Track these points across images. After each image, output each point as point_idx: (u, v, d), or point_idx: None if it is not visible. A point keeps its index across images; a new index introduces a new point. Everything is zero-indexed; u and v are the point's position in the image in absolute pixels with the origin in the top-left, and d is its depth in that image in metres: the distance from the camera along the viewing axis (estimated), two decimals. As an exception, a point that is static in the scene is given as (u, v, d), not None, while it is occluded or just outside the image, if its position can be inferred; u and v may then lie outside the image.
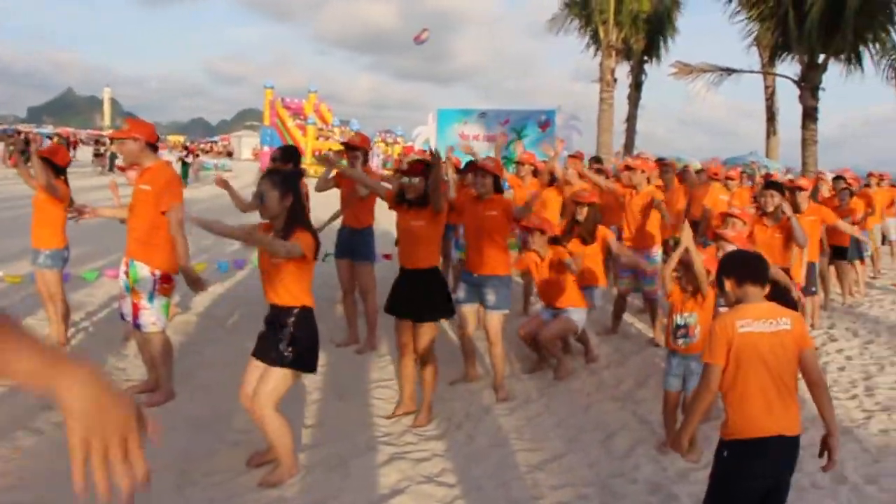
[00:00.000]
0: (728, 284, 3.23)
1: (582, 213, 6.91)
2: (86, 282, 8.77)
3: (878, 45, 14.79)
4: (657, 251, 7.74)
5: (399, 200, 5.30)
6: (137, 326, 5.09)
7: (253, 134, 60.82)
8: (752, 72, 16.43)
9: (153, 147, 5.22)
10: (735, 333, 3.07)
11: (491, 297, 5.74)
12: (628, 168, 8.29)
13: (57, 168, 6.21)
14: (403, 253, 5.31)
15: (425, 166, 5.23)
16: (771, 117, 22.12)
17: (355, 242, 7.11)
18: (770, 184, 6.88)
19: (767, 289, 3.21)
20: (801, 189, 7.90)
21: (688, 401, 4.39)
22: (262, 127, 45.57)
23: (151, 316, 5.03)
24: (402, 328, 5.25)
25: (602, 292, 7.27)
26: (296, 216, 4.10)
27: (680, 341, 4.88)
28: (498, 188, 5.91)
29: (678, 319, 4.91)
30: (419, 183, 5.15)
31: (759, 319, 3.08)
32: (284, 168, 6.21)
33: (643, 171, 7.99)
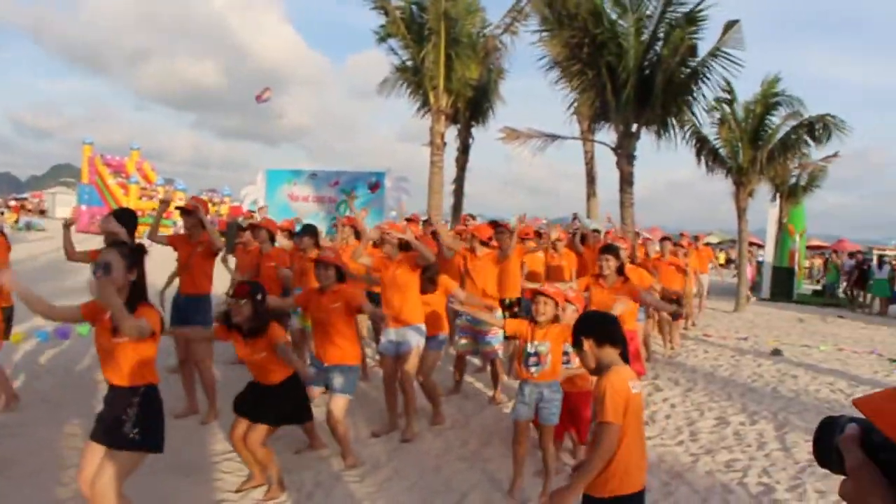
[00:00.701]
0: (587, 344, 3.25)
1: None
2: None
3: (679, 119, 16.22)
4: (497, 312, 7.74)
5: (229, 327, 5.02)
6: None
7: (68, 191, 57.24)
8: (574, 138, 17.50)
9: None
10: (630, 394, 3.12)
11: (337, 382, 5.73)
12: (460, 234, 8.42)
13: None
14: (253, 374, 5.15)
15: (251, 287, 4.99)
16: (591, 180, 23.55)
17: (191, 309, 6.83)
18: (607, 247, 7.09)
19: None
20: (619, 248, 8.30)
21: (577, 459, 4.45)
22: (79, 184, 43.10)
23: None
24: (239, 421, 5.04)
25: (444, 339, 7.23)
26: (140, 291, 3.90)
27: (532, 369, 4.94)
28: (341, 278, 5.85)
29: (529, 348, 4.96)
30: (246, 306, 4.87)
31: (633, 379, 3.21)
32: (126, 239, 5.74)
33: (475, 237, 8.09)
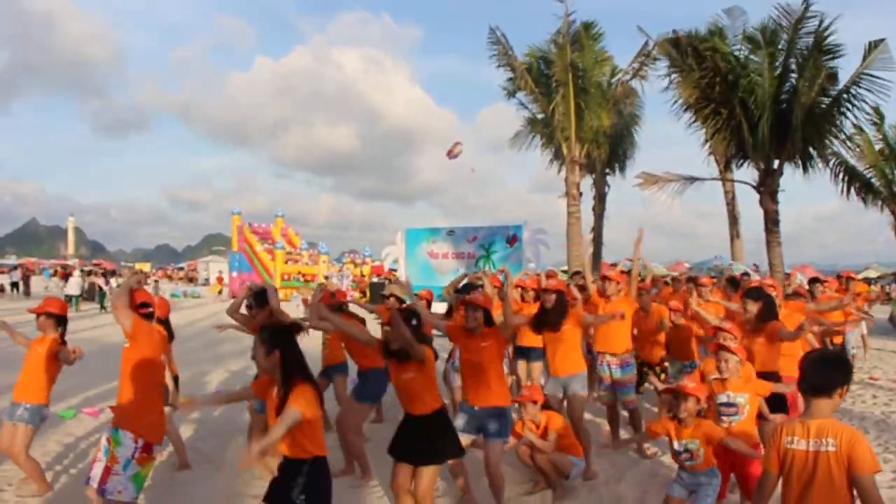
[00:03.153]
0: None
1: (549, 302, 6.93)
2: (63, 420, 8.49)
3: (822, 151, 15.52)
4: (630, 358, 7.66)
5: (385, 352, 5.24)
6: (101, 492, 4.66)
7: (220, 259, 60.71)
8: (713, 179, 17.12)
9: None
10: (784, 447, 3.10)
11: (492, 426, 5.70)
12: (604, 278, 8.37)
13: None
14: (402, 401, 5.24)
15: (406, 313, 5.21)
16: (733, 221, 22.80)
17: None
18: (747, 291, 6.91)
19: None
20: (703, 285, 8.05)
21: None
22: (230, 252, 45.75)
23: (119, 484, 4.66)
24: (399, 469, 5.11)
25: (584, 378, 7.18)
26: (290, 369, 4.00)
27: (686, 463, 4.92)
28: (489, 321, 5.96)
29: (677, 447, 4.95)
30: (403, 330, 5.07)
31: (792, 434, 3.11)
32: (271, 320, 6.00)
33: (617, 282, 8.05)
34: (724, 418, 5.12)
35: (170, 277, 64.26)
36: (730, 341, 5.66)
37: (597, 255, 22.58)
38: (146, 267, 69.73)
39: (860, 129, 17.56)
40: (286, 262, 41.56)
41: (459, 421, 5.93)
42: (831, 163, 17.34)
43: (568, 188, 19.02)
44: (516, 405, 6.44)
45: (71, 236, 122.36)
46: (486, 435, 5.74)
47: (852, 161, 17.90)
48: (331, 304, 7.19)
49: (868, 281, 35.04)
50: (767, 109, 14.98)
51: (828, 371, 3.17)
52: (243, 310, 6.77)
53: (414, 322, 5.11)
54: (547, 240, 25.54)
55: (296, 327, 4.39)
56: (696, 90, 15.85)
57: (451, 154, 21.49)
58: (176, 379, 7.23)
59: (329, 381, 8.16)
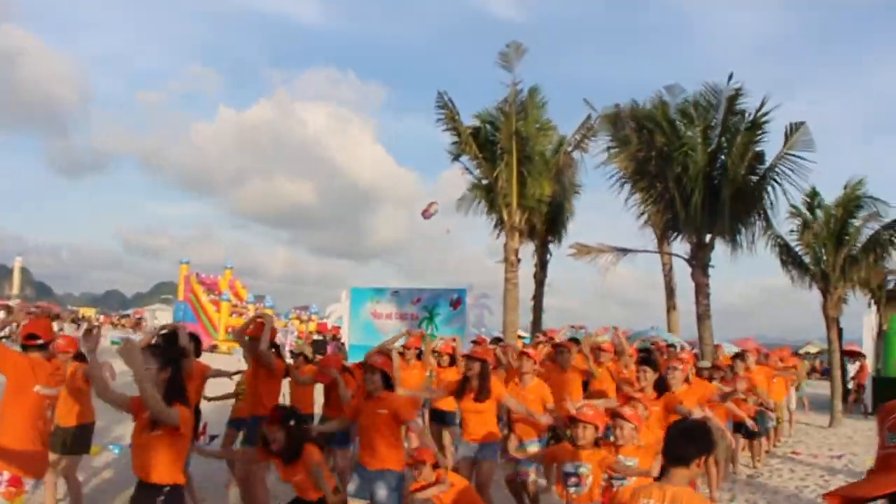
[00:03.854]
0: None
1: (473, 370, 6.89)
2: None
3: (749, 226, 15.98)
4: (537, 436, 7.62)
5: (267, 451, 5.24)
6: None
7: (167, 308, 59.70)
8: (645, 251, 17.39)
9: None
10: None
11: (381, 490, 5.68)
12: (523, 354, 8.35)
13: None
14: (296, 492, 5.32)
15: (283, 413, 5.19)
16: (670, 293, 23.11)
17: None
18: (643, 360, 7.01)
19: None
20: (674, 368, 8.06)
21: None
22: (175, 301, 45.13)
23: None
24: None
25: (496, 446, 7.18)
26: (176, 388, 4.09)
27: (571, 490, 4.85)
28: (388, 384, 5.88)
29: (569, 468, 4.90)
30: (279, 433, 5.07)
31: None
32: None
33: (534, 361, 8.09)
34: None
35: (113, 324, 62.76)
36: (627, 409, 5.66)
37: (536, 322, 22.64)
38: (91, 312, 68.19)
39: (796, 210, 18.10)
40: (231, 315, 41.06)
41: (351, 486, 5.84)
42: (767, 237, 17.78)
43: (506, 254, 19.16)
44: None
45: (17, 276, 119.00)
46: (374, 498, 5.67)
47: (787, 237, 18.35)
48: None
49: (805, 356, 35.67)
50: (699, 184, 15.36)
51: (685, 443, 3.27)
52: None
53: (292, 423, 5.11)
54: (490, 305, 25.59)
55: (186, 352, 4.54)
56: (632, 163, 16.21)
57: (427, 213, 21.53)
58: (92, 425, 7.10)
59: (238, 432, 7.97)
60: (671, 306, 23.21)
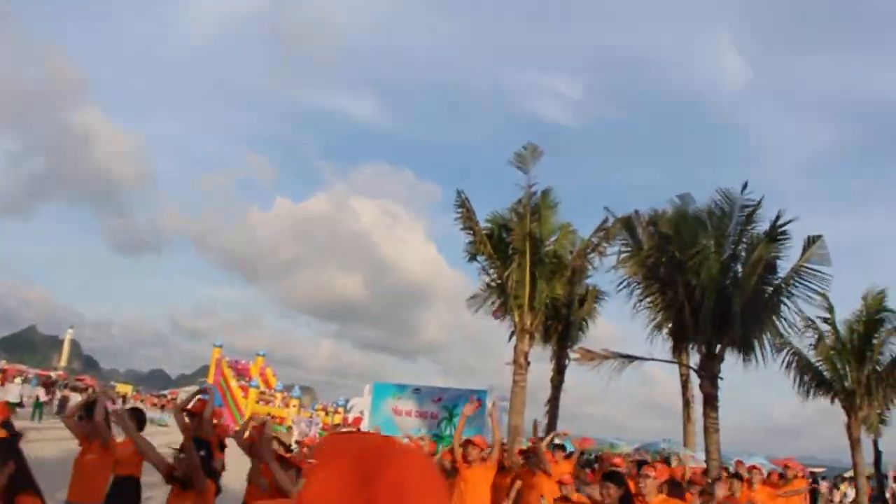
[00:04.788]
0: None
1: None
2: None
3: (760, 338, 15.34)
4: None
5: (169, 477, 5.22)
6: None
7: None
8: (651, 359, 16.71)
9: None
10: None
11: None
12: (467, 442, 8.53)
13: None
14: None
15: (197, 443, 5.14)
16: (686, 403, 22.15)
17: None
18: (608, 475, 6.47)
19: None
20: (645, 476, 7.47)
21: None
22: (204, 384, 45.14)
23: None
24: None
25: None
26: (22, 481, 3.78)
27: None
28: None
29: None
30: (186, 457, 5.07)
31: None
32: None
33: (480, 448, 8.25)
34: None
35: (153, 404, 63.14)
36: None
37: (551, 427, 21.83)
38: (128, 389, 68.89)
39: (811, 322, 17.42)
40: (258, 402, 40.77)
41: None
42: (784, 351, 17.07)
43: (516, 356, 18.63)
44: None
45: (66, 348, 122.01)
46: None
47: (804, 351, 17.56)
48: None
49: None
50: (710, 293, 14.84)
51: None
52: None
53: (203, 453, 5.16)
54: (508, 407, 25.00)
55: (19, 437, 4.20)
56: (642, 268, 15.79)
57: (497, 313, 21.28)
58: None
59: None
60: (686, 418, 22.21)
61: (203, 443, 5.35)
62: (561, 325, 21.36)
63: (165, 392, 76.56)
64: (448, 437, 27.51)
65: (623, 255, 16.30)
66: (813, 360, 17.80)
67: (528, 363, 18.85)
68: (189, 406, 7.38)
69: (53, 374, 66.92)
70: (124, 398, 57.97)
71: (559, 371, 22.18)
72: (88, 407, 6.59)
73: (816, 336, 17.75)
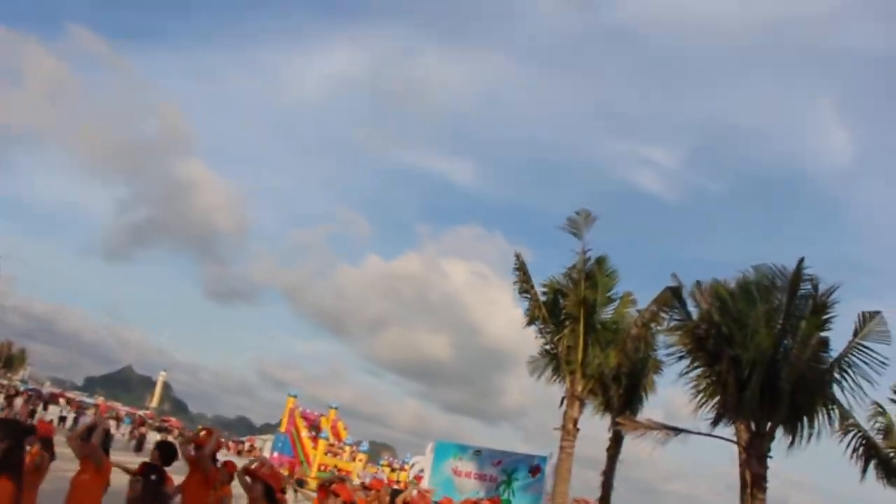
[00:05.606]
0: None
1: None
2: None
3: (811, 418, 14.72)
4: None
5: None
6: None
7: (271, 438, 61.05)
8: (698, 433, 16.16)
9: None
10: None
11: None
12: None
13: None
14: None
15: (147, 467, 5.49)
16: (744, 484, 21.20)
17: None
18: None
19: None
20: None
21: None
22: (276, 433, 46.09)
23: None
24: None
25: None
26: (9, 462, 4.47)
27: None
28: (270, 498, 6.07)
29: None
30: (137, 484, 5.40)
31: None
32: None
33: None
34: None
35: (239, 452, 64.45)
36: None
37: (605, 498, 21.41)
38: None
39: (881, 408, 16.46)
40: (326, 453, 41.25)
41: None
42: (851, 434, 16.15)
43: (565, 422, 18.48)
44: None
45: (158, 390, 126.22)
46: None
47: (875, 437, 16.52)
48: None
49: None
50: (759, 368, 14.42)
51: None
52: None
53: (153, 477, 5.95)
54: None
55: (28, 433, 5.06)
56: (689, 339, 15.52)
57: None
58: None
59: None
60: (745, 500, 21.23)
61: (156, 469, 6.07)
62: (622, 394, 21.08)
63: (243, 439, 78.15)
64: (506, 501, 27.29)
65: (672, 325, 16.06)
66: (882, 448, 16.73)
67: (578, 429, 18.67)
68: (197, 439, 7.77)
69: (141, 413, 69.50)
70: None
71: (616, 441, 21.80)
72: (89, 430, 7.01)
73: (885, 424, 16.72)
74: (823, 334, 14.72)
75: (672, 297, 16.30)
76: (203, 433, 7.88)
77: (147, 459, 7.42)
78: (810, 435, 14.86)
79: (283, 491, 7.70)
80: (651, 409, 22.33)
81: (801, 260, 15.07)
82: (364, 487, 10.46)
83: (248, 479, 6.20)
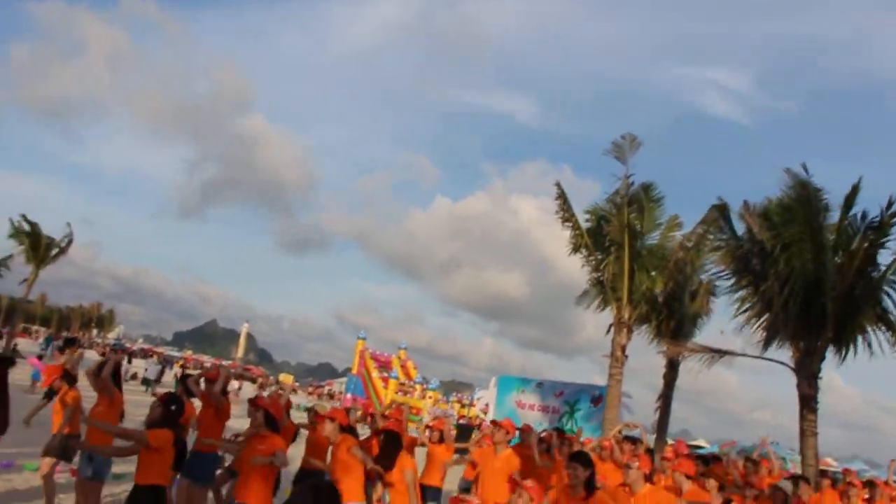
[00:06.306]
0: None
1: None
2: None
3: (864, 335, 14.25)
4: None
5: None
6: None
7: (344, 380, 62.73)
8: (744, 355, 15.80)
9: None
10: None
11: None
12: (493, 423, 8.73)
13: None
14: None
15: (169, 396, 5.96)
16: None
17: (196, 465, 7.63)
18: (572, 456, 6.43)
19: None
20: (628, 466, 7.27)
21: None
22: (349, 375, 47.18)
23: None
24: None
25: None
26: None
27: None
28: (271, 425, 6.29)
29: None
30: (157, 409, 6.10)
31: None
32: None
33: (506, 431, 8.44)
34: None
35: (309, 394, 66.74)
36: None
37: (662, 425, 21.28)
38: (290, 379, 73.06)
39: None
40: (397, 392, 42.10)
41: None
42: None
43: (613, 349, 18.33)
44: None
45: (242, 341, 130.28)
46: None
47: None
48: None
49: None
50: (804, 287, 13.94)
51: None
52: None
53: (173, 407, 6.03)
54: (630, 404, 24.58)
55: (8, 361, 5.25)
56: (733, 260, 15.11)
57: None
58: None
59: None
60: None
61: (177, 400, 6.18)
62: (673, 320, 20.75)
63: (322, 383, 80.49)
64: (569, 431, 27.47)
65: (715, 246, 15.64)
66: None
67: (626, 356, 18.53)
68: (207, 373, 8.20)
69: (226, 363, 72.14)
70: (282, 385, 62.44)
71: (671, 367, 21.55)
72: (100, 366, 7.37)
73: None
74: (874, 248, 14.11)
75: (718, 216, 15.80)
76: (214, 368, 8.27)
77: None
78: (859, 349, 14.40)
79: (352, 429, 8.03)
80: (709, 334, 21.95)
81: (860, 179, 14.44)
82: (427, 427, 10.76)
83: (251, 407, 6.40)
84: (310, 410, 10.42)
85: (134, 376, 36.32)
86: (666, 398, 21.61)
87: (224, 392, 8.02)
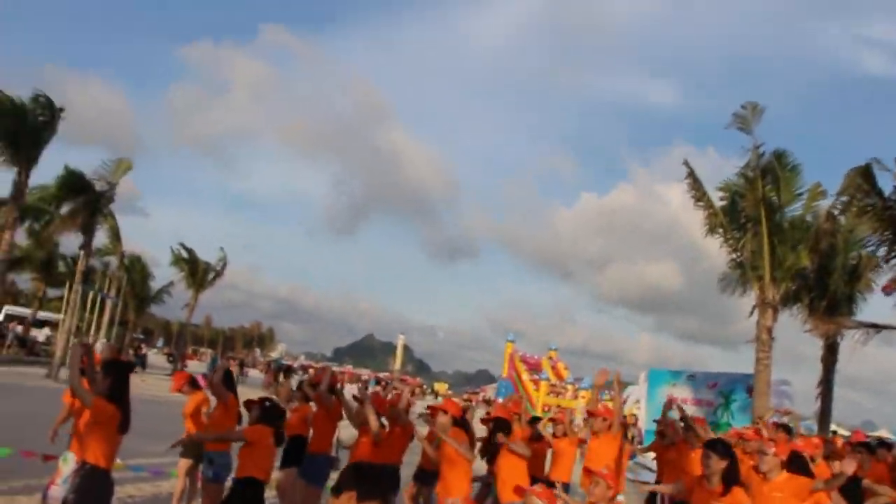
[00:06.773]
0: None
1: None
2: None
3: None
4: None
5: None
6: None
7: (493, 386, 62.85)
8: (896, 328, 14.34)
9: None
10: None
11: None
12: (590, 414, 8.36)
13: None
14: None
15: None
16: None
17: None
18: (710, 443, 5.88)
19: None
20: (763, 452, 6.60)
21: None
22: (499, 379, 47.17)
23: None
24: None
25: None
26: (112, 393, 5.22)
27: None
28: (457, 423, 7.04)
29: None
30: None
31: None
32: None
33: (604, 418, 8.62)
34: None
35: (469, 401, 67.06)
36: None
37: (825, 413, 19.80)
38: (444, 387, 73.98)
39: None
40: (549, 394, 41.63)
41: None
42: None
43: (758, 332, 17.17)
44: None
45: (399, 353, 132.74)
46: None
47: None
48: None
49: None
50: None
51: None
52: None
53: (267, 403, 6.58)
54: (790, 392, 23.04)
55: (131, 367, 5.89)
56: (882, 223, 13.81)
57: (889, 289, 20.06)
58: None
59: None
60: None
61: (271, 399, 6.83)
62: (827, 298, 19.30)
63: (477, 389, 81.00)
64: (725, 424, 26.09)
65: (857, 209, 14.34)
66: None
67: (773, 339, 17.30)
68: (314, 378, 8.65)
69: (383, 375, 74.24)
70: (436, 394, 63.73)
71: (830, 350, 20.01)
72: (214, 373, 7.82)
73: None
74: None
75: (861, 178, 14.51)
76: (321, 370, 8.64)
77: None
78: None
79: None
80: (875, 310, 20.14)
81: None
82: (551, 420, 10.63)
83: (246, 408, 7.09)
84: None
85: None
86: (827, 384, 20.13)
87: (331, 391, 8.23)
